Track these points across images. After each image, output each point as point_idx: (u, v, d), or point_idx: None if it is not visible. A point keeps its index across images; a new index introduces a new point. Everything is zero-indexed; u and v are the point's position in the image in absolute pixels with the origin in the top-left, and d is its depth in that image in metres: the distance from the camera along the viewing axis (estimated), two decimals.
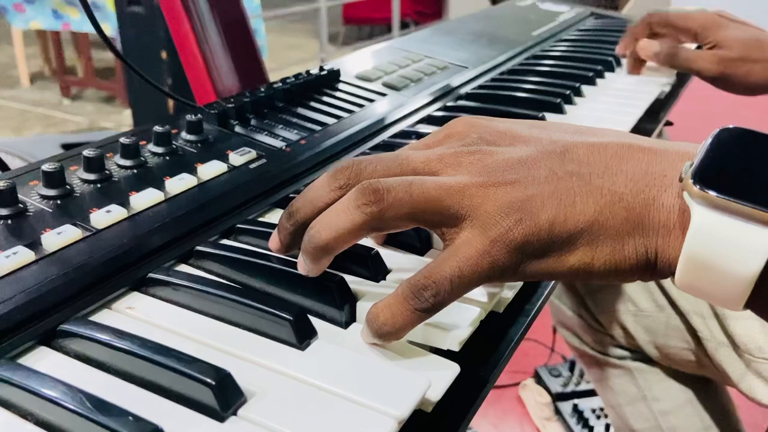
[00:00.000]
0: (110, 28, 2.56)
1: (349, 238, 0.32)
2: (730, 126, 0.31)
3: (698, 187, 0.28)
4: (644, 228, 0.30)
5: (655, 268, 0.30)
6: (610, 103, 0.72)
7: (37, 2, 3.06)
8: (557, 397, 1.36)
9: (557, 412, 1.35)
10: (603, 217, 0.30)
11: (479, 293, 0.35)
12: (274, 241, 0.36)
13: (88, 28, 3.05)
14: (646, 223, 0.29)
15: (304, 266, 0.34)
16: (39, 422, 0.28)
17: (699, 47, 0.78)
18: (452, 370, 0.31)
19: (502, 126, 0.36)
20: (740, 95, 0.77)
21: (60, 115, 3.26)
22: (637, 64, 0.82)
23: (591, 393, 1.34)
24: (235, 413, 0.28)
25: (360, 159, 0.35)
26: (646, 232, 0.30)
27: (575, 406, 1.33)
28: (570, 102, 0.71)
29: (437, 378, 0.30)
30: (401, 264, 0.39)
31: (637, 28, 0.82)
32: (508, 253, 0.30)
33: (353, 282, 0.36)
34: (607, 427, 1.26)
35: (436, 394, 0.30)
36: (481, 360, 0.35)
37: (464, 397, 0.33)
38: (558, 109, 0.68)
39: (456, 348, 0.32)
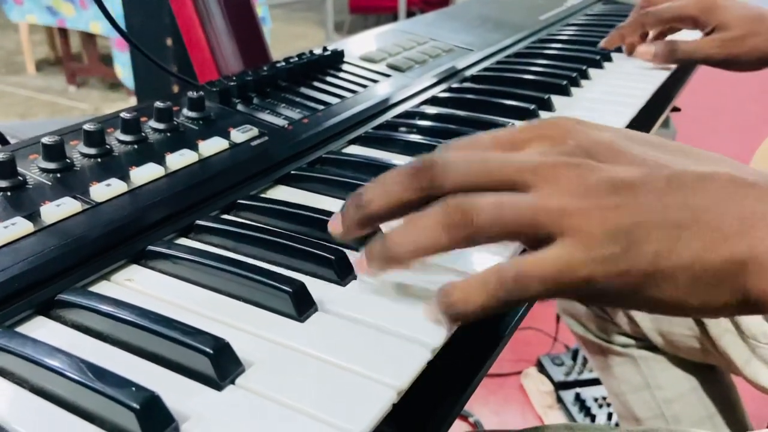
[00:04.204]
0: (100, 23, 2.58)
1: (429, 255, 0.31)
2: None
3: None
4: (747, 269, 0.28)
5: (755, 307, 0.29)
6: (617, 87, 0.71)
7: None
8: (559, 386, 1.35)
9: (559, 400, 1.35)
10: (706, 255, 0.28)
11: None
12: (336, 225, 0.34)
13: (82, 25, 3.04)
14: (750, 265, 0.28)
15: (365, 268, 0.32)
16: (35, 389, 0.27)
17: (708, 33, 0.76)
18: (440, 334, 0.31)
19: (604, 136, 0.33)
20: (747, 71, 0.75)
21: (65, 101, 3.26)
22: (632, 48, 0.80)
23: (593, 382, 1.34)
24: (233, 382, 0.28)
25: (446, 158, 0.32)
26: (749, 274, 0.28)
27: (577, 395, 1.32)
28: (576, 84, 0.70)
29: (435, 341, 0.30)
30: None
31: (627, 27, 0.79)
32: (607, 278, 0.29)
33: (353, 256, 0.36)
34: (609, 415, 1.26)
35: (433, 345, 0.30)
36: (483, 335, 0.35)
37: (463, 376, 0.33)
38: (564, 92, 0.67)
39: None
